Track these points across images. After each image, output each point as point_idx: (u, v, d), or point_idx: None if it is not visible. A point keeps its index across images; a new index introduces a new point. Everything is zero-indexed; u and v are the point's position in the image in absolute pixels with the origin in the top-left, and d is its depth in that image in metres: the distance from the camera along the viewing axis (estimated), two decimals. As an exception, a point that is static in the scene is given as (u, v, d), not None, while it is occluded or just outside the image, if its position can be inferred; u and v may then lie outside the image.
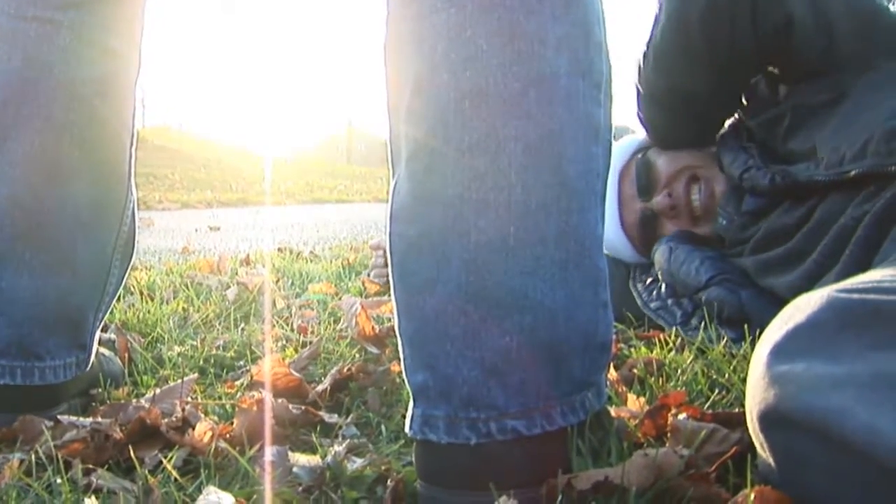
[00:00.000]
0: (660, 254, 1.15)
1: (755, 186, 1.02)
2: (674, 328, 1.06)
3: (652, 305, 1.14)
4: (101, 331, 1.14)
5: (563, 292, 0.56)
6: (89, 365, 0.85)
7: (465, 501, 0.54)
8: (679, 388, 0.81)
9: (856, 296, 0.50)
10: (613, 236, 1.24)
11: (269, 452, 0.62)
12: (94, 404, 0.86)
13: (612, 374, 0.88)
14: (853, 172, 0.87)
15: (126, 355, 0.99)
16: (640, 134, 1.31)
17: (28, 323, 0.78)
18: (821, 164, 0.92)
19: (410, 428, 0.58)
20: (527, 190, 0.55)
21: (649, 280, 1.19)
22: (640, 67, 1.15)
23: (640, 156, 1.25)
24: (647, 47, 1.12)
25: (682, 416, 0.62)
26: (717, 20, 1.02)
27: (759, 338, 0.54)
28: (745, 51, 1.04)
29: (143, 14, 0.84)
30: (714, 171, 1.16)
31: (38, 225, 0.78)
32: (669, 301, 1.11)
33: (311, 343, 1.06)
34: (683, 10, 1.05)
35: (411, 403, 0.58)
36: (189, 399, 0.82)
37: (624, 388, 0.83)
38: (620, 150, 1.28)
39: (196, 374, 0.91)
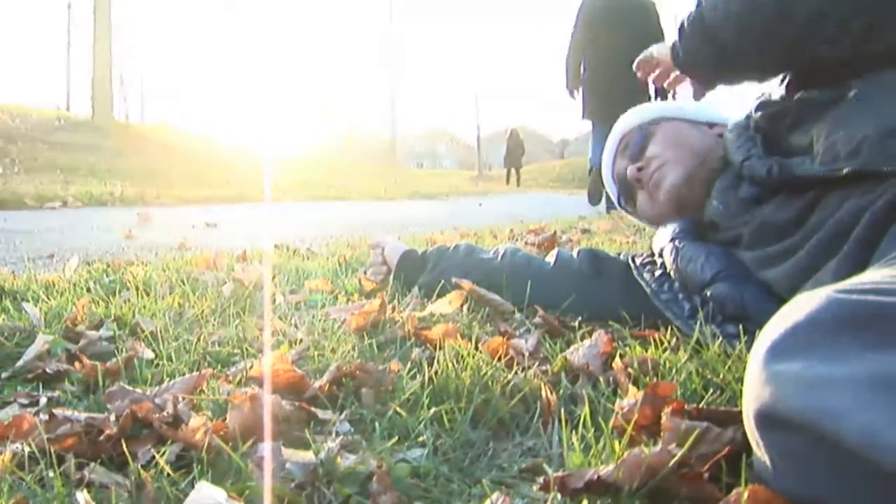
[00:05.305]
0: (667, 252, 1.16)
1: (753, 175, 1.04)
2: (677, 322, 1.07)
3: (662, 297, 1.13)
4: (96, 328, 1.13)
5: None
6: None
7: None
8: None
9: (855, 296, 0.50)
10: (607, 175, 1.45)
11: (264, 448, 0.62)
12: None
13: (618, 363, 0.88)
14: (846, 170, 0.87)
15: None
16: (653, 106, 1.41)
17: None
18: (816, 159, 0.92)
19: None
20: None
21: (658, 272, 1.19)
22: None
23: (647, 125, 1.33)
24: None
25: (674, 416, 0.62)
26: None
27: (757, 337, 0.54)
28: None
29: None
30: (685, 162, 1.21)
31: None
32: (680, 295, 1.11)
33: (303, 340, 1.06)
34: None
35: None
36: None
37: (625, 380, 0.83)
38: (636, 114, 1.38)
39: (210, 370, 0.91)
